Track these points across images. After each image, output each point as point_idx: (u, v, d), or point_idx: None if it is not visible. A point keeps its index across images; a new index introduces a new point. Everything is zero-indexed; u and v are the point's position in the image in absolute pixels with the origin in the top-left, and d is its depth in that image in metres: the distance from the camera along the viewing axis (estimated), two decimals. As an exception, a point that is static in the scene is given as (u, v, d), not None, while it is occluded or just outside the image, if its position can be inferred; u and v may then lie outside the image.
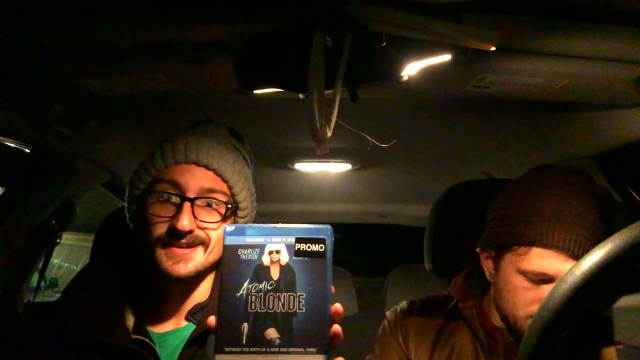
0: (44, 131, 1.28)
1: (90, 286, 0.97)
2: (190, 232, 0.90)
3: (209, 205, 0.94)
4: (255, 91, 1.09)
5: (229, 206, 0.95)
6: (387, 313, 1.20)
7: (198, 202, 0.92)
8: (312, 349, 0.61)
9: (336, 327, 0.62)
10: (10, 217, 1.44)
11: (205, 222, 0.92)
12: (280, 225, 0.65)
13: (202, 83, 1.05)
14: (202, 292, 1.00)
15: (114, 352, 0.87)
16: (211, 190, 0.94)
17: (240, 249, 0.64)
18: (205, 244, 0.93)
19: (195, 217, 0.91)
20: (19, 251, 1.48)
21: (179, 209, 0.90)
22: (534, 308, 0.80)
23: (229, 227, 0.65)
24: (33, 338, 0.95)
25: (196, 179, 0.93)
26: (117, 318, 0.93)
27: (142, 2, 0.84)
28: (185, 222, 0.88)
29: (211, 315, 0.91)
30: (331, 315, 0.62)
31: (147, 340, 0.90)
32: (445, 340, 1.09)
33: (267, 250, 0.64)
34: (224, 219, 0.95)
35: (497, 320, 1.05)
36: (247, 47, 0.92)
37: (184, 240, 0.90)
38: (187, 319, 0.97)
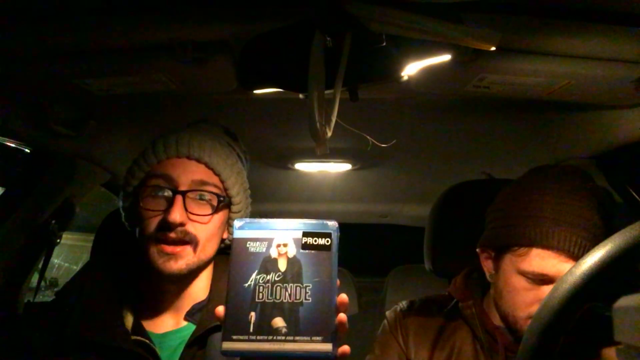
0: (44, 131, 1.28)
1: (88, 286, 0.96)
2: (182, 225, 0.90)
3: (201, 198, 0.93)
4: (255, 91, 1.09)
5: (221, 199, 0.95)
6: (387, 313, 1.20)
7: (190, 195, 0.92)
8: (318, 338, 0.62)
9: (341, 316, 0.63)
10: (10, 217, 1.44)
11: (196, 214, 0.92)
12: (288, 220, 0.66)
13: (202, 83, 1.05)
14: (200, 290, 0.99)
15: (114, 353, 0.86)
16: (203, 183, 0.94)
17: (249, 242, 0.66)
18: (194, 242, 0.92)
19: (187, 210, 0.91)
20: (19, 251, 1.48)
21: (170, 202, 0.90)
22: (534, 309, 0.80)
23: (239, 222, 0.67)
24: (31, 339, 0.94)
25: (188, 172, 0.93)
26: (115, 319, 0.91)
27: (143, 2, 0.84)
28: (176, 214, 0.88)
29: (211, 315, 0.92)
30: (337, 305, 0.64)
31: (147, 341, 0.89)
32: (445, 340, 1.09)
33: (274, 243, 0.66)
34: (216, 211, 0.94)
35: (497, 320, 1.05)
36: (247, 47, 0.92)
37: (173, 235, 0.89)
38: (186, 319, 0.96)
